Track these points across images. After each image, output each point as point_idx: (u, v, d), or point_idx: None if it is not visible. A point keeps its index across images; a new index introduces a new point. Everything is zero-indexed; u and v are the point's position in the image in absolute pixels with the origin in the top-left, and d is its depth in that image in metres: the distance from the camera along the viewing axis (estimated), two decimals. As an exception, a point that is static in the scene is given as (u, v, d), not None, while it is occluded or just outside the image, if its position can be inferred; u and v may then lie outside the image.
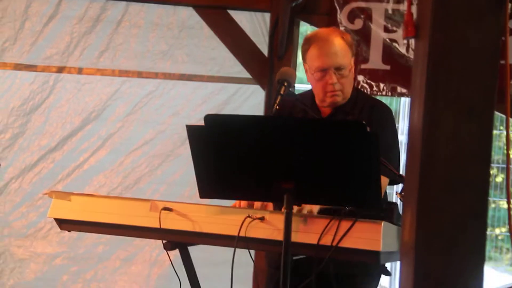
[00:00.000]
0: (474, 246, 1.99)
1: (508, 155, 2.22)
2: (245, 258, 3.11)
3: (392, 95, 5.12)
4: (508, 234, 9.57)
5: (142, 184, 5.19)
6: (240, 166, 2.89)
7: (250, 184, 2.93)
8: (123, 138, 5.20)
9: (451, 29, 2.07)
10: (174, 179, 5.19)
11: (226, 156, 2.87)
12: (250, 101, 5.27)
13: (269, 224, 2.93)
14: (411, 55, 5.06)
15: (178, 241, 3.13)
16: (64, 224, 3.20)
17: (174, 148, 5.19)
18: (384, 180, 3.13)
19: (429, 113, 2.01)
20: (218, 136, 2.84)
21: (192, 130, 2.87)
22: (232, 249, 2.94)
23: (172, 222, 3.06)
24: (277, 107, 3.17)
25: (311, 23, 5.31)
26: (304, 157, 2.76)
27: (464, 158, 2.01)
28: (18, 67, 5.11)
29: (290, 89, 3.31)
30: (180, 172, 5.17)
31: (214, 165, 2.90)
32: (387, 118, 3.47)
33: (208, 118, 2.81)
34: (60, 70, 5.16)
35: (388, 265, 3.34)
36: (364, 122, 2.71)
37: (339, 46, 3.40)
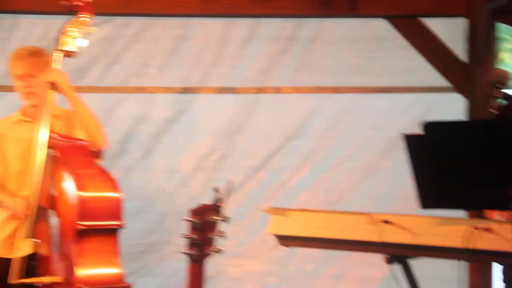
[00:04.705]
0: None
1: None
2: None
3: None
4: None
5: (345, 199, 5.11)
6: (462, 173, 2.77)
7: (473, 192, 2.80)
8: (324, 154, 5.17)
9: None
10: (377, 193, 5.05)
11: (448, 163, 2.77)
12: (449, 111, 5.06)
13: (497, 235, 2.78)
14: None
15: (399, 255, 3.04)
16: (284, 240, 3.19)
17: (375, 161, 5.06)
18: None
19: None
20: (439, 144, 2.74)
21: (410, 139, 2.79)
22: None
23: (391, 235, 2.99)
24: (497, 112, 3.02)
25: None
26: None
27: None
28: (220, 90, 5.22)
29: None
30: (383, 186, 5.01)
31: (435, 174, 2.80)
32: None
33: (428, 125, 2.72)
34: (259, 91, 5.22)
35: None
36: None
37: None
